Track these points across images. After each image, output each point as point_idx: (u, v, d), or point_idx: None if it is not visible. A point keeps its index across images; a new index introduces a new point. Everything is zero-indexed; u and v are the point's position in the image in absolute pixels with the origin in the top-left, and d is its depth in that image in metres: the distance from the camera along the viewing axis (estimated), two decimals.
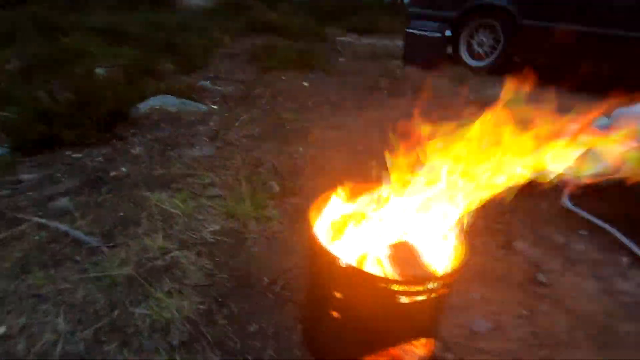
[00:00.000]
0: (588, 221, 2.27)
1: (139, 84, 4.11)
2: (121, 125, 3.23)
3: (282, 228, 2.09)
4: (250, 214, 2.15)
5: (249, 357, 1.36)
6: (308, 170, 2.73)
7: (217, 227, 2.06)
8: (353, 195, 1.38)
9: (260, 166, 2.74)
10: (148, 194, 2.25)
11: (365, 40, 7.86)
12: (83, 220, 2.02)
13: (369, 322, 1.13)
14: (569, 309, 1.67)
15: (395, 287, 1.01)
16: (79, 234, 1.90)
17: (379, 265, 1.14)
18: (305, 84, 4.86)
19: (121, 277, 1.64)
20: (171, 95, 4.03)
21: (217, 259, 1.83)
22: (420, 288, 1.02)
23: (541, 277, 1.82)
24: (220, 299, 1.59)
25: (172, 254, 1.81)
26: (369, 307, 1.10)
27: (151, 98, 3.83)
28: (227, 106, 4.00)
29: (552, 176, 1.16)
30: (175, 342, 1.37)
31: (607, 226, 2.20)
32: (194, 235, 1.98)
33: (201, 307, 1.54)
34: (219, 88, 4.69)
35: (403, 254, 1.06)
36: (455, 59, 5.82)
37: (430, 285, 1.02)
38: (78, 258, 1.77)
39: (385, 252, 1.12)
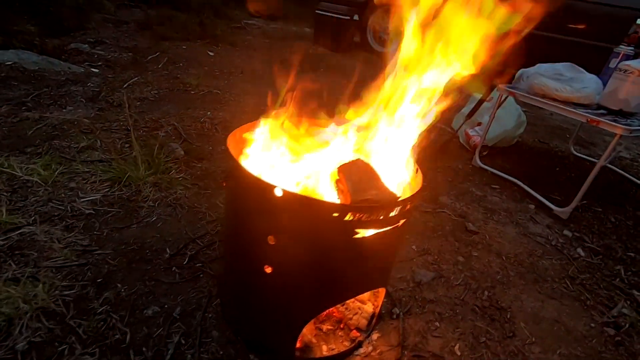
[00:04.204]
0: (497, 177, 2.40)
1: None
2: None
3: (188, 194, 1.69)
4: (145, 179, 1.68)
5: (146, 351, 0.97)
6: (219, 134, 2.34)
7: (97, 196, 1.55)
8: (279, 125, 1.10)
9: (159, 129, 2.24)
10: None
11: (273, 25, 7.57)
12: None
13: (313, 273, 0.87)
14: (497, 252, 1.67)
15: (352, 216, 0.77)
16: None
17: (327, 191, 0.89)
18: (211, 53, 4.35)
19: None
20: (31, 52, 3.16)
21: (97, 233, 1.35)
22: (384, 215, 0.79)
23: (470, 226, 1.81)
24: (100, 280, 1.14)
25: (21, 231, 1.26)
26: (314, 250, 0.83)
27: None
28: (113, 70, 3.28)
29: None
30: (20, 347, 0.90)
31: (514, 180, 2.35)
32: (60, 207, 1.44)
33: (69, 293, 1.07)
34: (101, 52, 3.88)
35: (357, 175, 0.82)
36: (363, 44, 5.92)
37: (396, 212, 0.80)
38: None
39: (333, 175, 0.86)
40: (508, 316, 1.31)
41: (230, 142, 1.03)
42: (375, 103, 1.01)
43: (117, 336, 0.99)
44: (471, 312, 1.30)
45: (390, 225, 0.84)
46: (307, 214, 0.79)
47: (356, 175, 0.82)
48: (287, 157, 1.05)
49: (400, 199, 0.82)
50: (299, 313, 0.93)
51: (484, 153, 2.70)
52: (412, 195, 0.84)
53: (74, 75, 2.92)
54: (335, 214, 0.77)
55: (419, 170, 1.01)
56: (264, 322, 0.99)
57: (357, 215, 0.78)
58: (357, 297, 1.13)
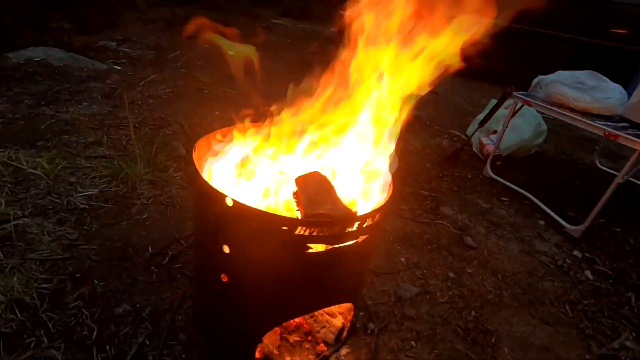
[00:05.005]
0: (508, 189, 2.28)
1: (11, 33, 3.30)
2: None
3: (183, 193, 1.71)
4: (142, 176, 1.72)
5: (110, 349, 0.99)
6: None
7: (94, 192, 1.60)
8: (253, 132, 1.10)
9: (165, 127, 2.29)
10: None
11: (299, 25, 7.59)
12: None
13: (267, 285, 0.85)
14: (494, 269, 1.58)
15: (303, 231, 0.74)
16: None
17: (282, 205, 0.87)
18: (230, 52, 4.41)
19: None
20: (59, 49, 3.33)
21: (86, 228, 1.40)
22: (337, 231, 0.76)
23: (469, 240, 1.72)
24: (78, 275, 1.18)
25: (15, 222, 1.33)
26: (267, 263, 0.81)
27: (29, 48, 3.10)
28: (134, 68, 3.40)
29: None
30: None
31: (525, 192, 2.22)
32: (57, 200, 1.50)
33: (46, 286, 1.11)
34: (127, 50, 4.03)
35: (313, 188, 0.79)
36: None
37: (352, 228, 0.77)
38: None
39: (289, 187, 0.84)
40: (492, 340, 1.23)
41: (202, 146, 1.03)
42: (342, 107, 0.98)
43: (84, 332, 1.01)
44: (452, 333, 1.24)
45: (347, 242, 0.81)
46: (257, 226, 0.77)
47: (312, 188, 0.79)
48: (260, 165, 1.03)
49: (356, 215, 0.78)
50: (255, 324, 0.91)
51: (497, 163, 2.57)
52: (370, 212, 0.80)
53: (95, 72, 3.05)
54: (284, 227, 0.75)
55: (392, 184, 0.96)
56: (223, 329, 0.98)
57: (309, 229, 0.75)
58: (326, 310, 1.10)
